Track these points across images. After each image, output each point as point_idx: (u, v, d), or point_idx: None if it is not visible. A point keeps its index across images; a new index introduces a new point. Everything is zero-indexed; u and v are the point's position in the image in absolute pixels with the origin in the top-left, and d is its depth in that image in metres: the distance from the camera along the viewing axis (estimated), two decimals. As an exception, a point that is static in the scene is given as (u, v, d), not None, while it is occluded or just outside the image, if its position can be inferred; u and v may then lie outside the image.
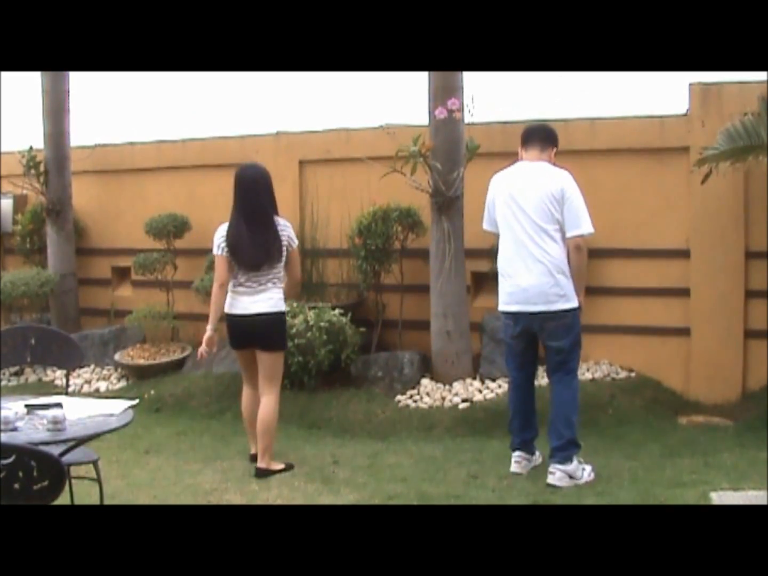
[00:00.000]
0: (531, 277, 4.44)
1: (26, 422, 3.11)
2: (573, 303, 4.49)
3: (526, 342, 4.63)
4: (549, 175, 4.51)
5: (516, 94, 7.04)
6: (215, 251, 4.78)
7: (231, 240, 4.72)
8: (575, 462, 4.49)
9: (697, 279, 6.04)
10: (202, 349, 4.83)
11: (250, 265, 4.71)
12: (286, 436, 5.41)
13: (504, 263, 4.58)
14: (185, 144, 7.55)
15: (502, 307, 4.62)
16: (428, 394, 6.00)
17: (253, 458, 4.93)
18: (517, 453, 4.70)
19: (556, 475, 4.44)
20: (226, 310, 4.80)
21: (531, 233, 4.44)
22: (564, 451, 4.47)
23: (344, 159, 6.84)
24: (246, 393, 4.98)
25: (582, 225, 4.45)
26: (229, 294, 4.79)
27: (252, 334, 4.76)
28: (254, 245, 4.69)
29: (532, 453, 4.73)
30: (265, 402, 4.77)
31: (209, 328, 4.79)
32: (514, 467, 4.68)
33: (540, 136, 4.65)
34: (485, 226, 4.76)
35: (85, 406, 3.37)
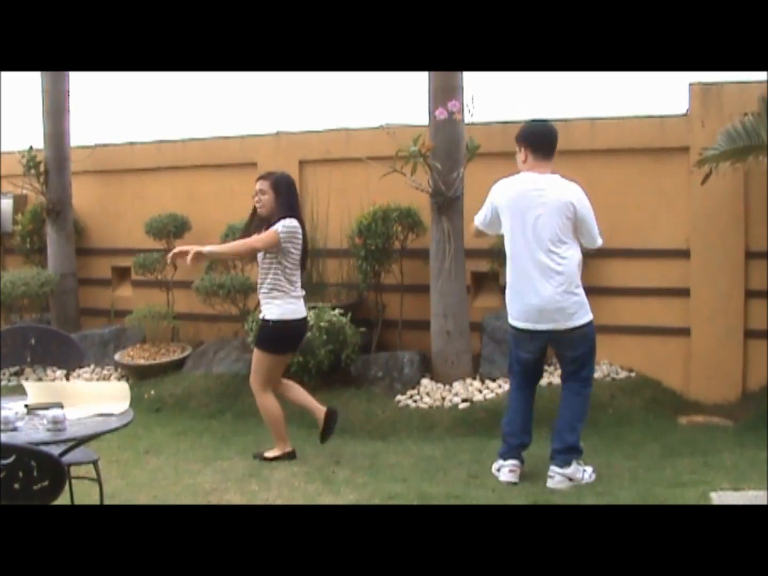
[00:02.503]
0: (543, 296, 4.35)
1: (26, 422, 3.11)
2: (588, 316, 4.44)
3: (539, 356, 4.59)
4: (561, 190, 4.40)
5: (516, 94, 7.05)
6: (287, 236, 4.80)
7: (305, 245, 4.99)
8: (574, 465, 4.46)
9: (697, 279, 6.05)
10: (178, 251, 4.73)
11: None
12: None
13: (513, 279, 4.47)
14: (185, 144, 7.55)
15: (515, 323, 4.49)
16: (428, 394, 6.00)
17: (292, 455, 5.01)
18: (511, 462, 4.52)
19: (555, 478, 4.41)
20: (291, 315, 4.87)
21: (541, 251, 4.34)
22: (564, 455, 4.43)
23: (344, 159, 6.84)
24: (275, 396, 5.06)
25: (597, 240, 4.54)
26: (289, 298, 4.86)
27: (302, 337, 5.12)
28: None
29: (523, 461, 4.58)
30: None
31: (207, 249, 4.84)
32: (509, 477, 4.50)
33: (550, 144, 4.52)
34: (480, 224, 4.64)
35: (83, 390, 3.35)
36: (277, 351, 4.94)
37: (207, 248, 4.80)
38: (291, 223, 4.81)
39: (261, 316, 4.93)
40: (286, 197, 4.88)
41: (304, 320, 5.00)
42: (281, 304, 4.83)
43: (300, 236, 4.87)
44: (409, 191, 6.12)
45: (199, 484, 4.63)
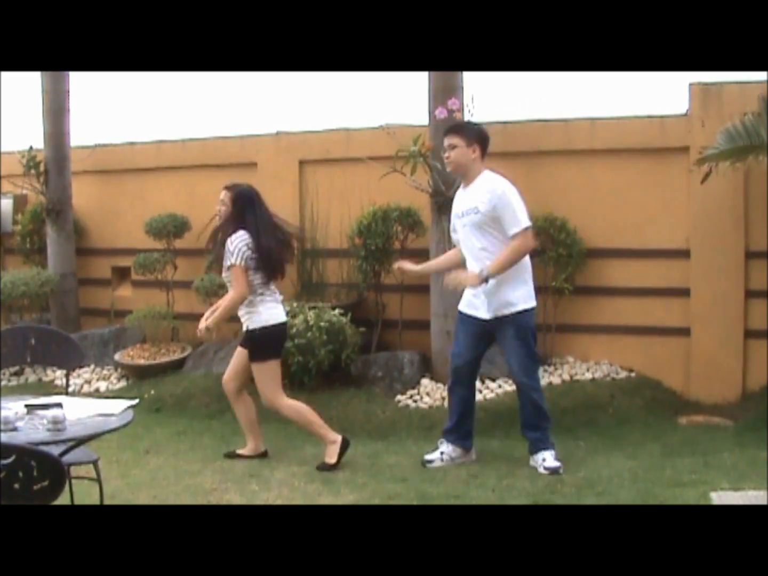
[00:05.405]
0: None
1: (26, 422, 3.11)
2: None
3: None
4: None
5: (516, 94, 7.05)
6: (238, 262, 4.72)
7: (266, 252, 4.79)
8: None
9: (697, 279, 6.05)
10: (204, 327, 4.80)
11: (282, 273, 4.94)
12: (286, 437, 5.41)
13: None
14: (185, 144, 7.55)
15: (533, 303, 4.71)
16: (428, 394, 6.00)
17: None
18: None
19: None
20: (274, 320, 4.81)
21: None
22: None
23: (344, 159, 6.84)
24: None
25: None
26: (268, 303, 4.80)
27: None
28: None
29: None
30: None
31: (211, 321, 4.79)
32: None
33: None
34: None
35: (85, 406, 3.37)
36: (275, 355, 4.87)
37: (211, 320, 4.78)
38: (236, 239, 4.72)
39: (244, 328, 4.84)
40: (240, 212, 4.79)
41: (283, 324, 4.93)
42: (261, 311, 4.77)
43: (248, 242, 4.72)
44: (409, 191, 6.12)
45: (199, 484, 4.63)
